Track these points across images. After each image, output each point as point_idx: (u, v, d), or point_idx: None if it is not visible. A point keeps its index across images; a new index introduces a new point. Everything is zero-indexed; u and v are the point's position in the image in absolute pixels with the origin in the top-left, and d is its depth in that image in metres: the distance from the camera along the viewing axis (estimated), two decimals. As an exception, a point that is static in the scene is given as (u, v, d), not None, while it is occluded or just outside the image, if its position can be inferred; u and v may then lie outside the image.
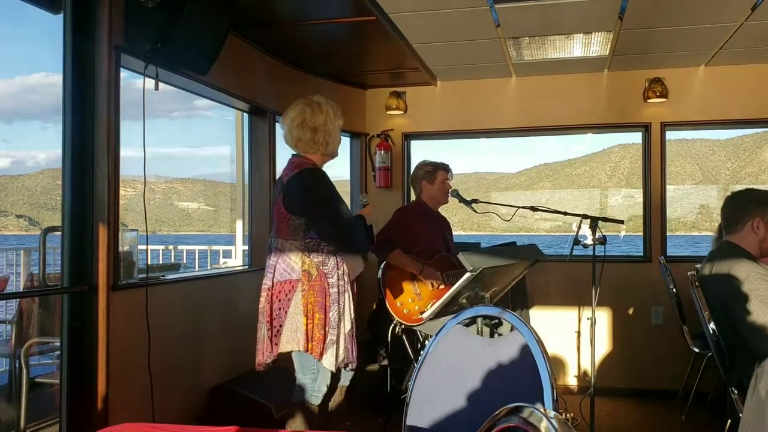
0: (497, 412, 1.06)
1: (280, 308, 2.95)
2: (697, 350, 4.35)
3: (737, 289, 2.90)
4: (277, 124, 4.57)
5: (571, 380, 5.23)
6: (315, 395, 3.03)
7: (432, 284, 4.02)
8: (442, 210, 4.48)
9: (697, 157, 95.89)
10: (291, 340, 2.93)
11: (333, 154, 3.20)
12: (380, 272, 4.12)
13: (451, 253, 4.26)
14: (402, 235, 4.09)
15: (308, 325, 2.91)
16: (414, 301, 4.00)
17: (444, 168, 4.32)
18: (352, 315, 3.04)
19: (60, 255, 3.04)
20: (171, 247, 8.49)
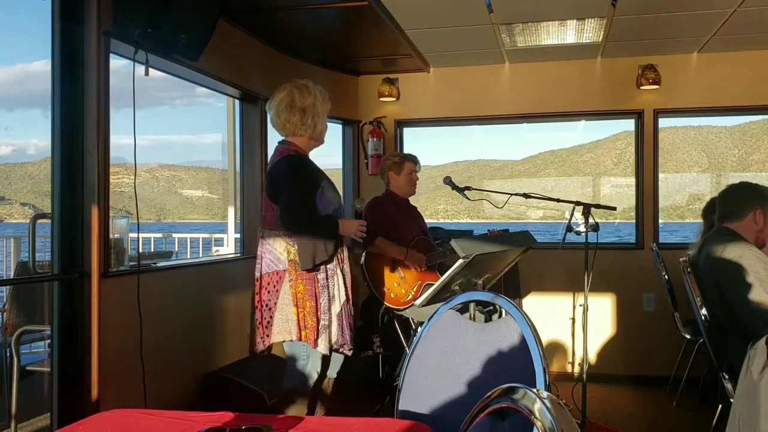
0: (490, 393, 1.06)
1: (269, 299, 2.95)
2: (688, 337, 4.38)
3: (732, 269, 2.93)
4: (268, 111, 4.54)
5: (564, 367, 5.25)
6: (306, 382, 3.03)
7: (417, 267, 4.05)
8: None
9: (704, 144, 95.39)
10: (283, 330, 2.93)
11: (320, 139, 3.17)
12: (362, 260, 4.12)
13: (427, 236, 4.32)
14: (379, 224, 4.10)
15: (299, 314, 2.91)
16: (400, 285, 4.03)
17: (412, 160, 4.33)
18: (343, 297, 3.04)
19: (50, 242, 3.02)
20: (165, 234, 8.44)
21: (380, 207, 4.24)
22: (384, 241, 4.04)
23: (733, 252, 2.95)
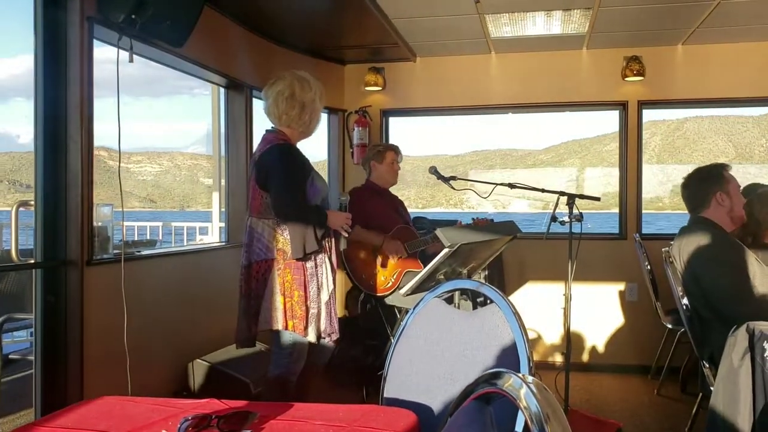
0: (475, 378, 1.07)
1: (257, 288, 2.95)
2: (669, 326, 4.43)
3: (707, 258, 2.99)
4: (254, 99, 4.51)
5: (547, 356, 5.29)
6: (292, 371, 3.03)
7: (394, 255, 4.10)
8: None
9: (730, 134, 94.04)
10: (269, 319, 2.93)
11: (310, 134, 3.22)
12: (341, 247, 4.13)
13: (408, 224, 4.35)
14: (357, 214, 4.10)
15: (286, 303, 2.92)
16: (379, 272, 4.09)
17: (393, 149, 4.39)
18: (331, 286, 3.05)
19: (33, 230, 2.98)
20: (157, 223, 8.37)
21: (360, 197, 4.23)
22: (361, 229, 4.04)
23: (706, 242, 3.01)
